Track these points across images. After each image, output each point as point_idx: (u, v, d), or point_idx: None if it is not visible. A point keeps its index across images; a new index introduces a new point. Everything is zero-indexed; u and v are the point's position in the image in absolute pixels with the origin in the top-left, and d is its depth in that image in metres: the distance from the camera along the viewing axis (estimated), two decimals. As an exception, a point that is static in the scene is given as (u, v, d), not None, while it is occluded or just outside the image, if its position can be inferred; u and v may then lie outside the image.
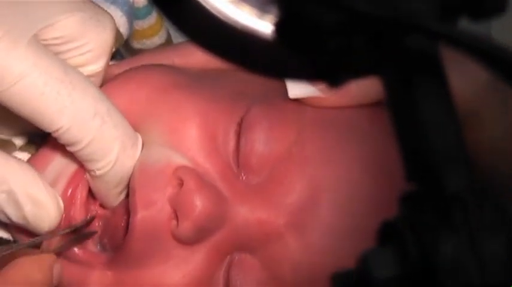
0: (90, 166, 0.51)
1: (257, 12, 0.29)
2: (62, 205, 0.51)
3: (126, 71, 0.59)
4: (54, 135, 0.50)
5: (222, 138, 0.54)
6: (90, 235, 0.53)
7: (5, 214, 0.51)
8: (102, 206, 0.55)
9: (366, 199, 0.52)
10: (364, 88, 0.54)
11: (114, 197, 0.53)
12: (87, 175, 0.53)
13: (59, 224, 0.52)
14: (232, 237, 0.52)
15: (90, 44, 0.52)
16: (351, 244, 0.50)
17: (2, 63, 0.47)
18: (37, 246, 0.52)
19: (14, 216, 0.50)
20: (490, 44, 0.26)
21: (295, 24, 0.27)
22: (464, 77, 0.27)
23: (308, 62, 0.29)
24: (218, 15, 0.29)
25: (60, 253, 0.52)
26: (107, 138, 0.51)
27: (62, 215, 0.52)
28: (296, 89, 0.54)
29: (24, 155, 0.56)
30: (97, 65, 0.52)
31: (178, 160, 0.52)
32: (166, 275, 0.51)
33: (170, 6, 0.29)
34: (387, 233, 0.27)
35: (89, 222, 0.53)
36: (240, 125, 0.53)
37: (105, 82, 0.55)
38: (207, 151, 0.53)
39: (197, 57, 0.59)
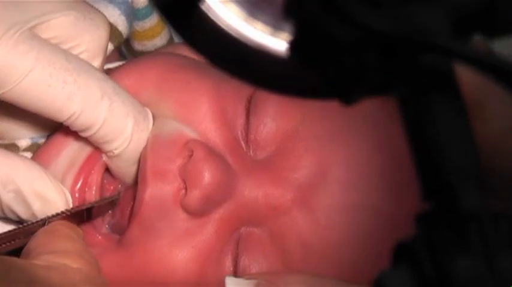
0: (106, 147, 0.52)
1: (270, 30, 0.29)
2: (69, 198, 0.52)
3: (130, 60, 0.60)
4: (67, 123, 0.51)
5: (232, 114, 0.54)
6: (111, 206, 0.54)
7: (15, 213, 0.51)
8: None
9: (374, 176, 0.53)
10: None
11: (135, 174, 0.54)
12: (105, 157, 0.53)
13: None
14: (239, 211, 0.52)
15: (85, 44, 0.52)
16: (358, 220, 0.51)
17: (5, 62, 0.47)
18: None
19: (23, 214, 0.51)
20: (504, 62, 0.26)
21: (310, 41, 0.27)
22: (469, 75, 0.27)
23: (321, 80, 0.29)
24: (231, 32, 0.29)
25: None
26: (118, 116, 0.51)
27: (70, 207, 0.52)
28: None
29: (28, 155, 0.56)
30: (93, 64, 0.53)
31: (190, 133, 0.53)
32: (175, 246, 0.52)
33: (183, 23, 0.29)
34: (402, 253, 0.27)
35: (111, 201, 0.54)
36: (249, 101, 0.54)
37: None
38: (217, 125, 0.54)
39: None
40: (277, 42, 0.29)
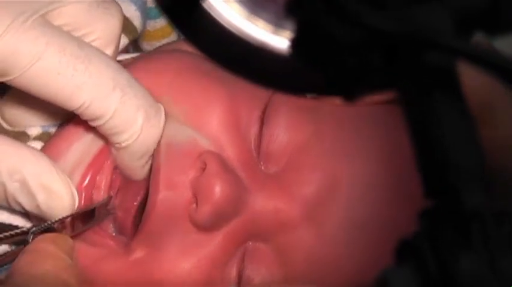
0: (115, 139, 0.51)
1: (272, 28, 0.29)
2: (75, 193, 0.51)
3: (144, 55, 0.58)
4: (77, 112, 0.50)
5: (245, 124, 0.54)
6: (106, 216, 0.53)
7: (19, 203, 0.50)
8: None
9: (382, 193, 0.53)
10: None
11: (140, 170, 0.53)
12: (113, 149, 0.52)
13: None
14: (248, 225, 0.52)
15: (98, 31, 0.51)
16: (365, 238, 0.51)
17: (14, 48, 0.47)
18: (51, 230, 0.51)
19: (28, 205, 0.50)
20: (507, 61, 0.26)
21: (311, 39, 0.27)
22: (477, 73, 0.28)
23: (324, 77, 0.29)
24: (233, 30, 0.29)
25: (76, 236, 0.52)
26: (129, 108, 0.50)
27: (76, 203, 0.51)
28: None
29: (38, 145, 0.55)
30: (105, 52, 0.52)
31: (204, 143, 0.53)
32: (181, 258, 0.51)
33: (186, 22, 0.29)
34: (406, 251, 0.27)
35: (105, 204, 0.53)
36: (264, 111, 0.54)
37: None
38: (230, 135, 0.53)
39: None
40: (279, 41, 0.29)
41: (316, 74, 0.29)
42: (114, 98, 0.49)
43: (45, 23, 0.48)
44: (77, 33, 0.50)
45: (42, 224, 0.50)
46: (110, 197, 0.53)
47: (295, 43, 0.28)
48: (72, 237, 0.51)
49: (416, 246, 0.26)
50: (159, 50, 0.61)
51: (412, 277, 0.26)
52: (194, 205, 0.51)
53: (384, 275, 0.26)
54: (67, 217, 0.51)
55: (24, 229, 0.50)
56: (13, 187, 0.49)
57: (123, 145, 0.51)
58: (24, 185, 0.49)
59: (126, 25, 0.59)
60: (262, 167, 0.53)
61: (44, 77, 0.48)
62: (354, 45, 0.26)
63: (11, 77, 0.47)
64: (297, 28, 0.28)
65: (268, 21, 0.29)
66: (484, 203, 0.26)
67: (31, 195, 0.49)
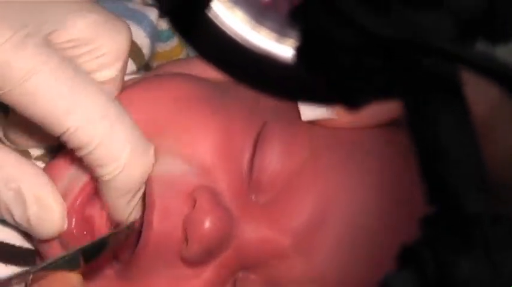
0: (98, 171, 0.50)
1: (276, 36, 0.30)
2: (65, 214, 0.51)
3: (145, 78, 0.58)
4: (63, 139, 0.49)
5: (239, 153, 0.54)
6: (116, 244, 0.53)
7: (10, 213, 0.50)
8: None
9: (372, 223, 0.52)
10: (376, 109, 0.54)
11: (122, 208, 0.52)
12: (98, 183, 0.52)
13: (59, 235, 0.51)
14: (238, 256, 0.52)
15: (104, 47, 0.51)
16: (355, 266, 0.51)
17: (10, 62, 0.46)
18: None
19: (18, 216, 0.50)
20: (508, 67, 0.26)
21: (315, 46, 0.27)
22: (477, 91, 0.28)
23: (327, 85, 0.29)
24: (237, 39, 0.30)
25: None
26: (115, 141, 0.49)
27: (65, 223, 0.51)
28: (308, 111, 0.54)
29: (39, 164, 0.55)
30: (112, 70, 0.51)
31: (197, 178, 0.52)
32: None
33: (189, 30, 0.30)
34: (407, 256, 0.27)
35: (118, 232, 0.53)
36: (256, 140, 0.54)
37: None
38: (222, 167, 0.53)
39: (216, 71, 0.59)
40: (283, 49, 0.30)
41: (320, 82, 0.29)
42: (101, 128, 0.49)
43: (45, 43, 0.48)
44: (83, 49, 0.50)
45: (40, 265, 0.49)
46: (121, 226, 0.53)
47: (299, 51, 0.29)
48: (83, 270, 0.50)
49: (417, 251, 0.26)
50: (159, 74, 0.61)
51: (413, 282, 0.26)
52: (185, 243, 0.51)
53: (384, 280, 0.26)
54: (65, 255, 0.50)
55: (23, 271, 0.49)
56: (7, 196, 0.49)
57: (106, 178, 0.50)
58: (18, 194, 0.49)
59: (136, 51, 0.60)
60: (253, 197, 0.53)
61: (34, 95, 0.47)
62: (357, 51, 0.27)
63: (2, 91, 0.47)
64: (300, 36, 0.28)
65: (272, 29, 0.30)
66: (484, 209, 0.26)
67: (24, 206, 0.49)
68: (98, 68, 0.51)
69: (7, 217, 0.51)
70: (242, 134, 0.54)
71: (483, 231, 0.26)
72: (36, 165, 0.52)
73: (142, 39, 0.61)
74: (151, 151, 0.52)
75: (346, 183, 0.53)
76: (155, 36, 0.63)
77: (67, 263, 0.49)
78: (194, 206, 0.51)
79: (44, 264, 0.49)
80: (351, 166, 0.54)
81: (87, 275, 0.52)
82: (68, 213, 0.52)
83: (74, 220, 0.52)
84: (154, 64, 0.68)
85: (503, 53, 0.32)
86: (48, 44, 0.48)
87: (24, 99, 0.47)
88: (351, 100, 0.29)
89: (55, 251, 0.52)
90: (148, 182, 0.52)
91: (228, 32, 0.29)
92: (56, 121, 0.48)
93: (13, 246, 0.54)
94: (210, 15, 0.29)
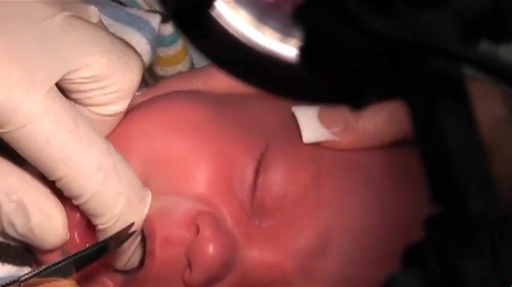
0: (93, 220, 0.51)
1: (280, 36, 0.30)
2: (67, 224, 0.51)
3: (144, 104, 0.58)
4: (57, 185, 0.49)
5: (240, 178, 0.53)
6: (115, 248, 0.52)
7: (13, 225, 0.50)
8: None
9: (376, 250, 0.53)
10: (379, 131, 0.54)
11: (120, 257, 0.52)
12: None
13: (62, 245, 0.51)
14: (241, 280, 0.52)
15: (116, 85, 0.51)
16: None
17: (13, 105, 0.47)
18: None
19: (21, 227, 0.50)
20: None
21: (319, 47, 0.27)
22: (482, 111, 0.28)
23: (331, 85, 0.29)
24: (241, 39, 0.30)
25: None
26: (109, 193, 0.49)
27: (67, 232, 0.51)
28: (310, 133, 0.54)
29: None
30: (120, 105, 0.52)
31: (197, 207, 0.52)
32: None
33: (193, 30, 0.30)
34: (412, 255, 0.27)
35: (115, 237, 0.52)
36: (259, 162, 0.53)
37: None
38: (224, 193, 0.53)
39: (218, 83, 0.58)
40: (287, 49, 0.30)
41: (324, 82, 0.29)
42: (95, 180, 0.49)
43: (53, 88, 0.48)
44: (95, 85, 0.50)
45: (31, 273, 0.48)
46: (119, 232, 0.52)
47: (302, 51, 0.29)
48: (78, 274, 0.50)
49: (422, 251, 0.26)
50: (157, 96, 0.59)
51: (418, 282, 0.26)
52: (188, 270, 0.51)
53: (389, 280, 0.26)
54: (63, 260, 0.50)
55: (13, 279, 0.48)
56: (9, 208, 0.49)
57: (100, 228, 0.50)
58: (20, 205, 0.49)
59: None
60: (256, 222, 0.53)
61: (32, 140, 0.47)
62: (360, 51, 0.27)
63: (2, 130, 0.47)
64: (304, 36, 0.28)
65: (276, 29, 0.30)
66: (490, 209, 0.26)
67: (26, 217, 0.49)
68: (107, 103, 0.51)
69: (9, 230, 0.51)
70: (243, 157, 0.53)
71: (488, 231, 0.26)
72: (33, 177, 0.51)
73: (142, 47, 0.60)
74: (148, 199, 0.52)
75: (349, 206, 0.53)
76: (156, 42, 0.63)
77: (58, 271, 0.49)
78: (196, 233, 0.51)
79: (35, 272, 0.49)
80: (353, 188, 0.54)
81: None
82: (70, 223, 0.52)
83: (76, 231, 0.52)
84: (158, 69, 0.67)
85: (506, 53, 0.32)
86: (54, 90, 0.48)
87: (22, 143, 0.48)
88: (354, 100, 0.29)
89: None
90: (147, 217, 0.52)
91: (232, 32, 0.29)
92: (49, 169, 0.49)
93: (9, 245, 0.54)
94: (214, 14, 0.29)
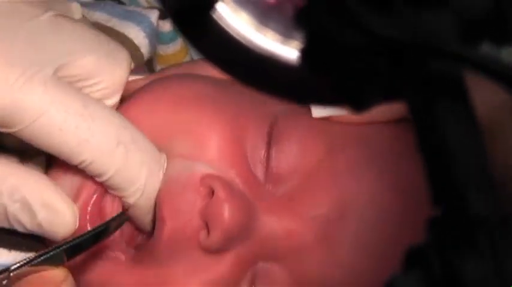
0: (120, 194, 0.51)
1: (281, 38, 0.30)
2: (77, 210, 0.51)
3: (146, 85, 0.59)
4: (79, 167, 0.50)
5: (251, 146, 0.54)
6: (117, 228, 0.52)
7: (21, 223, 0.50)
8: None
9: (392, 216, 0.53)
10: (388, 105, 0.54)
11: (149, 224, 0.53)
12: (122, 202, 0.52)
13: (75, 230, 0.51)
14: (258, 247, 0.52)
15: (105, 81, 0.52)
16: (377, 259, 0.51)
17: (18, 102, 0.47)
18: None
19: (29, 224, 0.50)
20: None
21: (320, 48, 0.27)
22: (480, 97, 0.28)
23: (332, 86, 0.29)
24: (241, 40, 0.30)
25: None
26: (132, 166, 0.50)
27: (77, 221, 0.51)
28: (320, 108, 0.54)
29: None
30: (112, 100, 0.52)
31: (203, 168, 0.52)
32: (190, 279, 0.51)
33: (194, 32, 0.30)
34: (413, 257, 0.27)
35: (118, 217, 0.53)
36: (270, 133, 0.54)
37: (124, 98, 0.55)
38: (235, 161, 0.53)
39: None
40: (288, 51, 0.30)
41: (325, 84, 0.29)
42: (117, 156, 0.49)
43: (52, 78, 0.49)
44: (85, 83, 0.51)
45: (21, 262, 0.48)
46: (122, 213, 0.53)
47: (304, 52, 0.29)
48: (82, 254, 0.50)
49: (423, 253, 0.26)
50: (161, 77, 0.61)
51: (419, 283, 0.26)
52: (204, 231, 0.51)
53: (390, 282, 0.26)
54: (58, 247, 0.49)
55: (3, 268, 0.48)
56: (14, 208, 0.49)
57: (128, 200, 0.51)
58: (24, 204, 0.49)
59: (134, 52, 0.60)
60: (270, 188, 0.53)
61: (46, 132, 0.48)
62: (361, 51, 0.27)
63: (14, 129, 0.48)
64: (305, 37, 0.28)
65: (277, 31, 0.30)
66: (490, 210, 0.26)
67: (32, 214, 0.49)
68: (100, 98, 0.52)
69: (19, 228, 0.51)
70: (254, 127, 0.54)
71: (489, 232, 0.26)
72: (35, 171, 0.52)
73: (140, 40, 0.61)
74: (165, 162, 0.53)
75: (364, 176, 0.53)
76: (155, 37, 0.63)
77: (50, 259, 0.49)
78: (209, 195, 0.51)
79: (25, 261, 0.49)
80: (366, 159, 0.54)
81: (99, 263, 0.52)
82: (82, 209, 0.52)
83: (88, 216, 0.52)
84: (158, 67, 0.68)
85: (507, 55, 0.32)
86: (54, 79, 0.49)
87: (37, 137, 0.48)
88: (356, 102, 0.29)
89: None
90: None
91: (233, 34, 0.29)
92: (69, 155, 0.49)
93: (15, 232, 0.54)
94: (215, 16, 0.29)
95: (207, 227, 0.51)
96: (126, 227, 0.54)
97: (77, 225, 0.51)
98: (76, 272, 0.52)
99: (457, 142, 0.26)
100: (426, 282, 0.26)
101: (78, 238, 0.50)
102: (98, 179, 0.51)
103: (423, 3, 0.26)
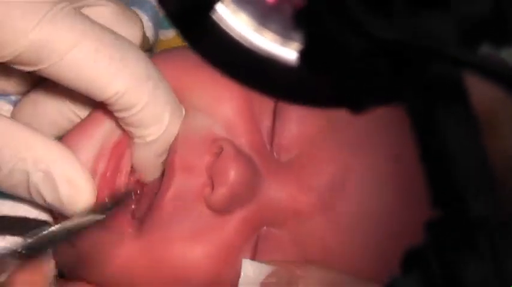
0: (140, 132, 0.51)
1: (280, 39, 0.30)
2: (95, 189, 0.51)
3: (158, 52, 0.59)
4: (108, 102, 0.49)
5: (259, 114, 0.54)
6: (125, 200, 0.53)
7: (41, 194, 0.50)
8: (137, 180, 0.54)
9: (392, 188, 0.53)
10: None
11: (156, 168, 0.53)
12: (133, 143, 0.52)
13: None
14: (262, 211, 0.52)
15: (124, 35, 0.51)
16: (378, 227, 0.51)
17: (51, 35, 0.46)
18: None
19: (49, 197, 0.50)
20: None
21: (320, 49, 0.27)
22: (480, 89, 0.28)
23: (331, 87, 0.29)
24: (241, 41, 0.30)
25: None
26: (160, 102, 0.50)
27: (94, 199, 0.51)
28: None
29: None
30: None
31: (219, 130, 0.53)
32: (195, 240, 0.52)
33: (193, 33, 0.30)
34: (412, 260, 0.27)
35: (126, 195, 0.53)
36: (276, 105, 0.54)
37: None
38: (245, 124, 0.54)
39: None
40: (287, 52, 0.30)
41: (324, 85, 0.29)
42: (147, 89, 0.49)
43: (80, 13, 0.48)
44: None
45: (28, 242, 0.48)
46: (130, 190, 0.53)
47: (303, 53, 0.29)
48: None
49: (422, 256, 0.26)
50: (173, 48, 0.62)
51: (418, 285, 0.26)
52: (209, 188, 0.51)
53: (390, 284, 0.26)
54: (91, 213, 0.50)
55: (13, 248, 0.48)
56: (37, 177, 0.49)
57: (148, 139, 0.51)
58: (48, 175, 0.49)
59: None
60: (276, 156, 0.54)
61: (79, 65, 0.47)
62: (361, 54, 0.27)
63: (44, 65, 0.47)
64: (305, 39, 0.28)
65: (277, 32, 0.30)
66: (490, 212, 0.26)
67: (54, 186, 0.49)
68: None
69: (37, 199, 0.51)
70: (261, 99, 0.54)
71: (489, 235, 0.26)
72: (61, 143, 0.51)
73: (145, 23, 0.61)
74: (183, 111, 0.53)
75: (365, 147, 0.54)
76: (157, 19, 0.63)
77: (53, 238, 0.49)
78: (217, 155, 0.52)
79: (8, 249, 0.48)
80: (369, 135, 0.55)
81: (106, 238, 0.52)
82: (100, 185, 0.52)
83: (106, 192, 0.52)
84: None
85: (507, 56, 0.32)
86: (83, 13, 0.49)
87: (69, 71, 0.48)
88: (355, 103, 0.29)
89: None
90: None
91: (233, 35, 0.29)
92: (103, 87, 0.48)
93: (26, 219, 0.54)
94: (215, 18, 0.29)
95: (213, 184, 0.51)
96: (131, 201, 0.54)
97: (94, 201, 0.51)
98: (85, 251, 0.52)
99: (457, 144, 0.26)
100: (426, 284, 0.26)
101: (58, 229, 0.49)
102: (123, 114, 0.50)
103: (423, 6, 0.26)
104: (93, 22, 0.49)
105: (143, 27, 0.54)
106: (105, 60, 0.48)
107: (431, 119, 0.26)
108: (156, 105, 0.50)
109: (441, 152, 0.26)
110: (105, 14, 0.51)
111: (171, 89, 0.52)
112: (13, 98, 0.56)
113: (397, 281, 0.26)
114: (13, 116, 0.55)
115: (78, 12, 0.48)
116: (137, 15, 0.55)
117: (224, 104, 0.54)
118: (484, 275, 0.25)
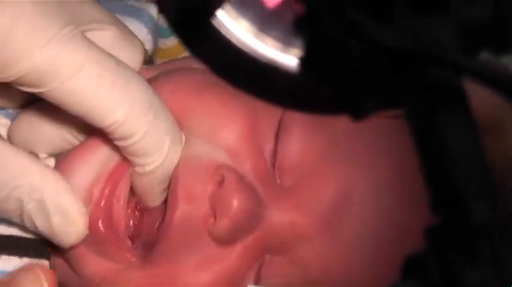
0: (140, 160, 0.50)
1: (281, 46, 0.30)
2: (88, 221, 0.51)
3: (163, 73, 0.58)
4: (108, 130, 0.49)
5: (262, 139, 0.54)
6: None
7: (33, 223, 0.50)
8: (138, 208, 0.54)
9: (396, 202, 0.53)
10: None
11: (158, 195, 0.53)
12: (133, 171, 0.52)
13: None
14: (265, 238, 0.52)
15: (124, 60, 0.51)
16: (380, 247, 0.51)
17: (56, 58, 0.46)
18: None
19: (41, 226, 0.50)
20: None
21: (321, 55, 0.27)
22: (482, 92, 0.28)
23: (332, 94, 0.29)
24: (242, 47, 0.30)
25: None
26: (160, 131, 0.50)
27: (86, 231, 0.51)
28: None
29: (51, 162, 0.55)
30: None
31: (221, 157, 0.53)
32: (199, 272, 0.51)
33: (195, 40, 0.30)
34: (412, 266, 0.27)
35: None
36: (279, 125, 0.54)
37: None
38: (248, 150, 0.54)
39: None
40: (288, 58, 0.30)
41: (325, 91, 0.29)
42: (147, 118, 0.49)
43: (85, 37, 0.48)
44: None
45: None
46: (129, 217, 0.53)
47: (304, 60, 0.29)
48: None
49: (422, 262, 0.26)
50: (171, 69, 0.61)
51: (418, 291, 0.26)
52: (212, 218, 0.51)
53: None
54: None
55: None
56: (30, 206, 0.49)
57: (147, 169, 0.51)
58: (41, 205, 0.49)
59: None
60: (278, 180, 0.54)
61: (81, 90, 0.47)
62: (361, 55, 0.27)
63: (47, 89, 0.47)
64: (305, 44, 0.28)
65: (277, 38, 0.30)
66: (491, 217, 0.26)
67: (47, 217, 0.49)
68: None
69: (29, 226, 0.50)
70: (264, 122, 0.54)
71: (490, 241, 0.25)
72: (56, 171, 0.51)
73: (144, 36, 0.61)
74: (184, 138, 0.53)
75: (366, 164, 0.54)
76: (157, 31, 0.63)
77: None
78: (220, 184, 0.51)
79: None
80: (369, 152, 0.55)
81: (108, 267, 0.52)
82: (93, 213, 0.51)
83: (100, 220, 0.52)
84: (158, 61, 0.68)
85: (507, 63, 0.32)
86: (87, 38, 0.48)
87: (70, 96, 0.47)
88: (355, 109, 0.29)
89: (80, 250, 0.52)
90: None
91: (233, 41, 0.29)
92: (103, 115, 0.48)
93: (26, 239, 0.53)
94: (215, 24, 0.29)
95: (215, 214, 0.51)
96: (137, 228, 0.54)
97: (86, 234, 0.51)
98: (87, 278, 0.52)
99: (457, 144, 0.26)
100: (425, 290, 0.25)
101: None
102: (122, 143, 0.50)
103: (423, 11, 0.26)
104: (97, 47, 0.48)
105: (143, 51, 0.54)
106: (107, 87, 0.47)
107: (431, 119, 0.26)
108: (156, 134, 0.50)
109: (441, 153, 0.26)
110: (107, 38, 0.51)
111: (171, 117, 0.52)
112: (10, 111, 0.56)
113: (397, 287, 0.26)
114: (10, 131, 0.55)
115: (83, 36, 0.48)
116: (138, 39, 0.54)
117: (226, 129, 0.54)
118: (484, 278, 0.25)
